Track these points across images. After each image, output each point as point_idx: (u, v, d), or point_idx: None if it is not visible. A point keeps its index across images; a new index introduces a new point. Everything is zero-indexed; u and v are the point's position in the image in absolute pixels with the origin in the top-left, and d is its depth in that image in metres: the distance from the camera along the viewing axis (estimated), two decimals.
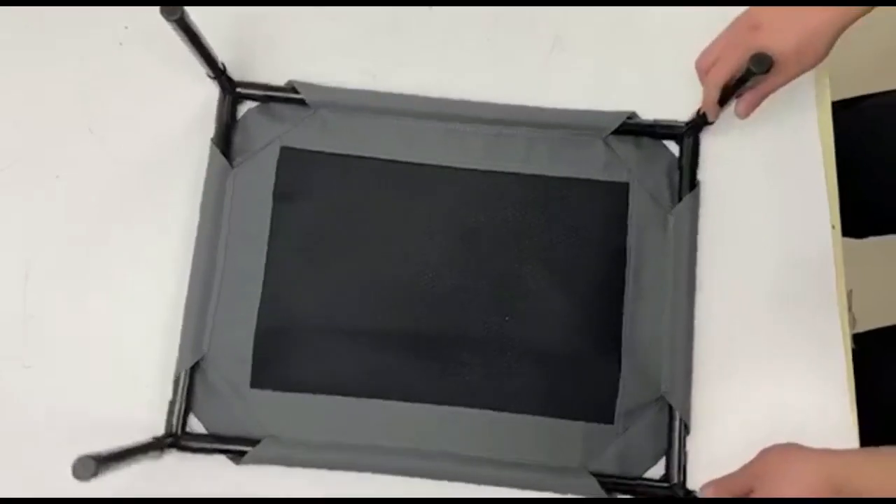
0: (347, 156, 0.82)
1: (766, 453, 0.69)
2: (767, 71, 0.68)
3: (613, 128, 0.82)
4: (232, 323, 0.80)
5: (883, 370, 0.84)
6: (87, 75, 0.85)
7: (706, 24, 0.79)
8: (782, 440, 0.70)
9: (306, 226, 0.81)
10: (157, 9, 0.69)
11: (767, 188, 0.82)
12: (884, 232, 0.93)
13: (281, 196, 0.82)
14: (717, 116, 0.78)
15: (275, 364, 0.79)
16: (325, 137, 0.83)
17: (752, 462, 0.69)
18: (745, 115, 0.77)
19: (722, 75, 0.73)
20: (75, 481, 0.61)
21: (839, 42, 0.71)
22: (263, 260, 0.81)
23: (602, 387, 0.78)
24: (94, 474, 0.61)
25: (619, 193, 0.82)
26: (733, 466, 0.72)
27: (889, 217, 0.87)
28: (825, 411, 0.78)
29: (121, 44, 0.86)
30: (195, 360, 0.79)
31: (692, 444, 0.77)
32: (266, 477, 0.77)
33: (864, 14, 0.70)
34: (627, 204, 0.81)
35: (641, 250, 0.81)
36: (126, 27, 0.86)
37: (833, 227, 0.81)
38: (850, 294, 0.80)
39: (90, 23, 0.86)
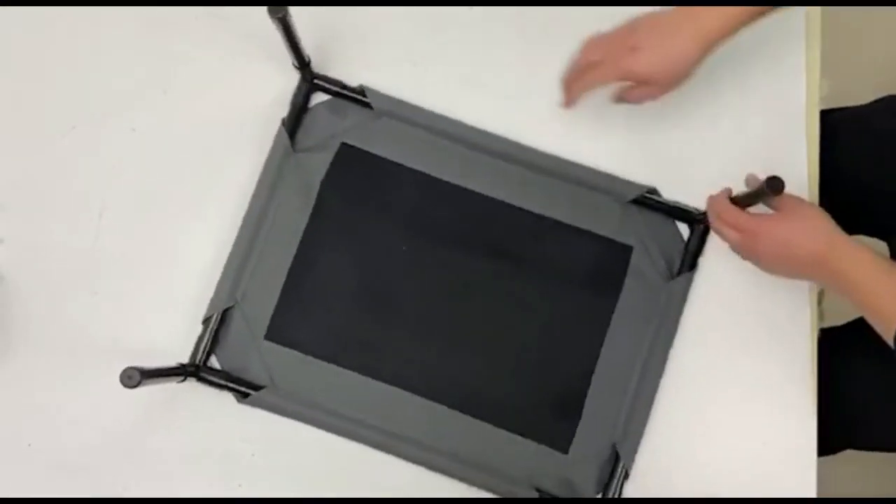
0: (398, 164, 0.90)
1: (803, 205, 0.77)
2: (780, 192, 0.74)
3: (632, 197, 0.88)
4: (264, 277, 0.88)
5: (841, 364, 0.92)
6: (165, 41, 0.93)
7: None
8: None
9: (345, 218, 0.89)
10: None
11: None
12: None
13: (328, 186, 0.89)
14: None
15: (291, 323, 0.88)
16: (382, 143, 0.90)
17: (785, 198, 0.77)
18: (567, 106, 0.84)
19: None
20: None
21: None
22: (302, 231, 0.89)
23: (566, 420, 0.87)
24: (138, 384, 0.73)
25: (622, 254, 0.88)
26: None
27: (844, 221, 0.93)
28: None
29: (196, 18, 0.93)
30: (227, 306, 0.88)
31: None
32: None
33: (729, 37, 0.76)
34: (627, 265, 0.88)
35: (629, 311, 0.87)
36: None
37: None
38: (820, 293, 0.87)
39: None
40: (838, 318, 0.99)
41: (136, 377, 0.73)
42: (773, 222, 0.76)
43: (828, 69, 0.92)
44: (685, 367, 0.88)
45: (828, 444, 0.92)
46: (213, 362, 0.88)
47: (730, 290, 0.88)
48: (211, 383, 0.87)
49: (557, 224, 0.89)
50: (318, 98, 0.92)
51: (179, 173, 0.91)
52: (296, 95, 0.90)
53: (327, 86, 0.91)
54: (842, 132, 0.91)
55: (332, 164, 0.90)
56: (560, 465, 0.86)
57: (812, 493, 0.85)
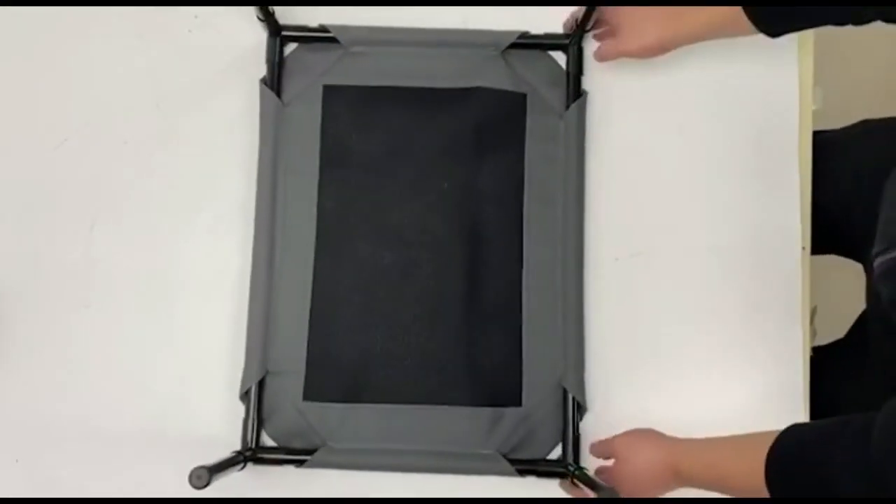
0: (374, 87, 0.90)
1: (627, 433, 0.80)
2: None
3: (508, 43, 0.88)
4: (287, 339, 0.87)
5: (833, 382, 0.90)
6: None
7: None
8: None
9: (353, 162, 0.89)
10: None
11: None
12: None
13: (327, 132, 0.89)
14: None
15: (325, 377, 0.87)
16: (357, 73, 0.90)
17: (615, 437, 0.81)
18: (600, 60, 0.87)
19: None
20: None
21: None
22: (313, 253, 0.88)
23: (507, 371, 0.85)
24: (207, 484, 0.72)
25: (518, 103, 0.88)
26: None
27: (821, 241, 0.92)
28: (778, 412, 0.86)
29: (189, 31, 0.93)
30: (261, 376, 0.86)
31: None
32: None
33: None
34: (525, 113, 0.88)
35: (536, 162, 0.88)
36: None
37: (804, 248, 0.86)
38: (812, 310, 0.86)
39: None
40: (831, 336, 0.98)
41: (206, 477, 0.72)
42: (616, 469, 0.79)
43: (822, 78, 0.91)
44: (683, 371, 0.87)
45: None
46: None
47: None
48: (269, 461, 0.85)
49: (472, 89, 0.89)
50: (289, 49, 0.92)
51: (174, 182, 0.91)
52: (269, 50, 0.90)
53: (293, 33, 0.91)
54: (820, 156, 0.90)
55: (323, 110, 0.89)
56: (517, 420, 0.84)
57: None
